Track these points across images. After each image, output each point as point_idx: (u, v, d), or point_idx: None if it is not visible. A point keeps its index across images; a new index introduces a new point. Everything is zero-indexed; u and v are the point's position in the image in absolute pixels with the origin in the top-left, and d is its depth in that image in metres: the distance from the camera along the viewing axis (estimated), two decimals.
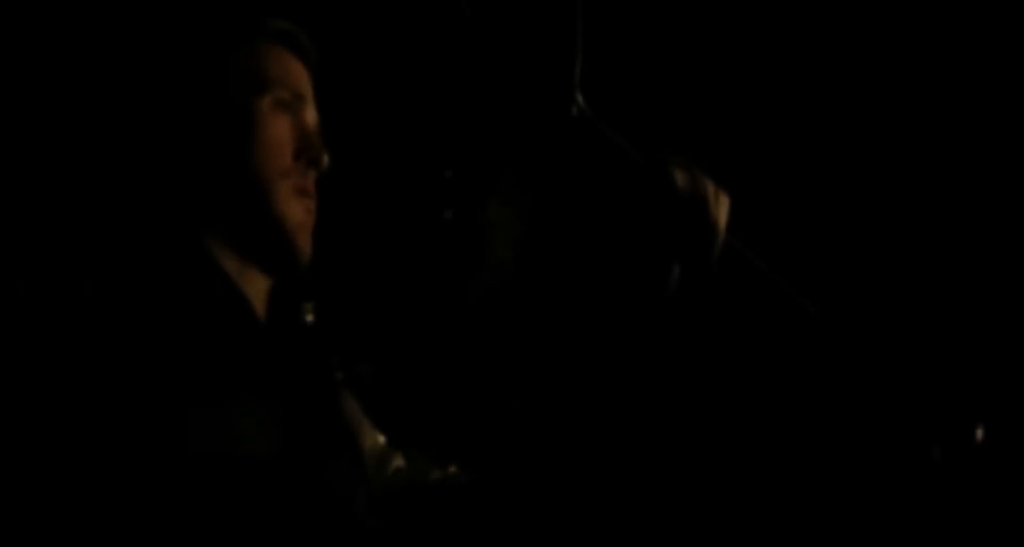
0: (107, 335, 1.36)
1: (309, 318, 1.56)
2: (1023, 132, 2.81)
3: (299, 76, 1.58)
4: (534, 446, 1.59)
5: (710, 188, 1.58)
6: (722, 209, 1.59)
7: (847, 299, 2.49)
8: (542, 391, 1.59)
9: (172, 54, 1.54)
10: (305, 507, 1.44)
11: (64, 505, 1.31)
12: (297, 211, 1.52)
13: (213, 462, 1.36)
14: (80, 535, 1.31)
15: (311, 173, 1.54)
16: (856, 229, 2.82)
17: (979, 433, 1.82)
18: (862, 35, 2.82)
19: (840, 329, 1.77)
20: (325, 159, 1.54)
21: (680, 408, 2.57)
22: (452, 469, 1.66)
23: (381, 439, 1.67)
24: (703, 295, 1.57)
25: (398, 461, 1.66)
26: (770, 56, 2.82)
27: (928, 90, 2.84)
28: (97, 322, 1.37)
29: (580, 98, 1.59)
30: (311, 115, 1.57)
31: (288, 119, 1.53)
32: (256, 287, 1.52)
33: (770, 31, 2.82)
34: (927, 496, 2.55)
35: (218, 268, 1.49)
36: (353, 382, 1.67)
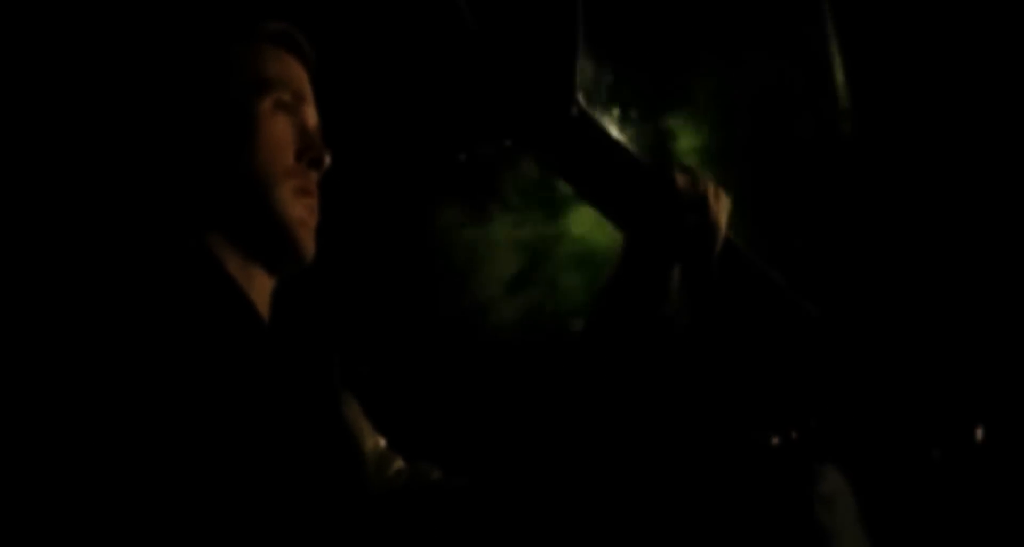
0: (109, 336, 1.36)
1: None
2: (1023, 132, 2.81)
3: (299, 77, 1.58)
4: (534, 448, 1.59)
5: (710, 188, 1.58)
6: (722, 209, 1.59)
7: (848, 299, 2.49)
8: (543, 394, 1.59)
9: (173, 56, 1.54)
10: (306, 508, 1.44)
11: (64, 508, 1.31)
12: (299, 210, 1.52)
13: (214, 463, 1.36)
14: (80, 536, 1.31)
15: (313, 173, 1.54)
16: (857, 230, 2.83)
17: (979, 433, 1.82)
18: (861, 33, 2.82)
19: (841, 329, 1.77)
20: (327, 159, 1.55)
21: (682, 408, 2.57)
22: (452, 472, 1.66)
23: (382, 441, 1.67)
24: (704, 295, 1.57)
25: (398, 463, 1.66)
26: (770, 56, 2.82)
27: (928, 90, 2.84)
28: (99, 323, 1.37)
29: (580, 98, 1.59)
30: (312, 115, 1.57)
31: (289, 119, 1.54)
32: (259, 287, 1.53)
33: (770, 31, 2.82)
34: (927, 496, 2.55)
35: (221, 269, 1.49)
36: (354, 384, 1.67)
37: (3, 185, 2.04)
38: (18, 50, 2.11)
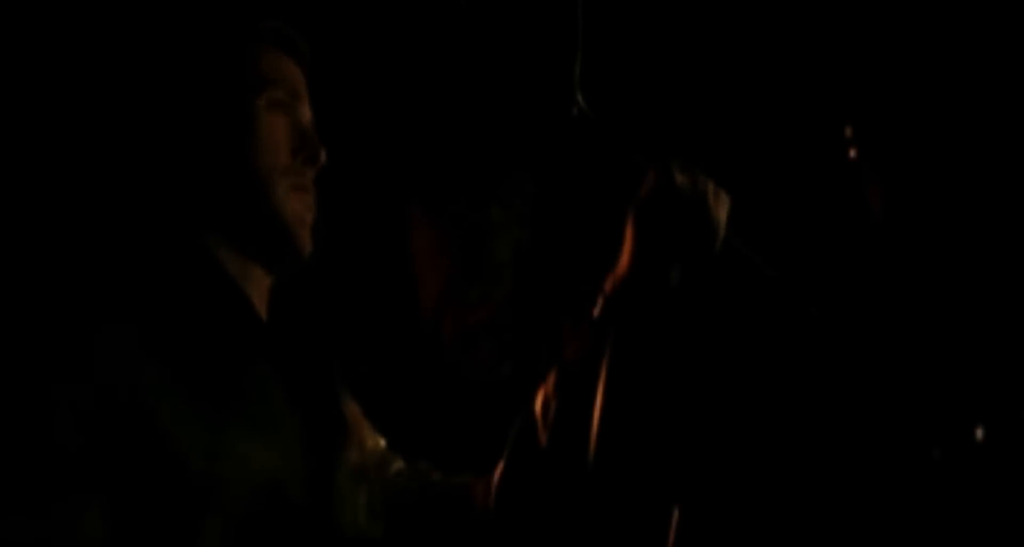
0: (110, 335, 1.37)
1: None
2: (1023, 132, 2.81)
3: (294, 75, 1.59)
4: (534, 448, 1.59)
5: (710, 187, 1.58)
6: (722, 209, 1.59)
7: (848, 299, 2.49)
8: (542, 392, 1.59)
9: (169, 56, 1.55)
10: (306, 508, 1.44)
11: (66, 515, 1.31)
12: (296, 207, 1.53)
13: (213, 461, 1.36)
14: (74, 533, 1.31)
15: (308, 170, 1.55)
16: (857, 230, 2.83)
17: (979, 433, 1.82)
18: (863, 34, 2.82)
19: (841, 329, 1.77)
20: (322, 156, 1.55)
21: (680, 407, 2.57)
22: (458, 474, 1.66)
23: (382, 441, 1.67)
24: (703, 295, 1.57)
25: (398, 463, 1.66)
26: (771, 56, 2.82)
27: (928, 91, 2.84)
28: (100, 321, 1.37)
29: (580, 98, 1.59)
30: (307, 113, 1.58)
31: (285, 118, 1.54)
32: (257, 286, 1.53)
33: (771, 31, 2.82)
34: (927, 496, 2.55)
35: (220, 267, 1.50)
36: (353, 384, 1.67)
37: (3, 184, 2.05)
38: (17, 49, 2.12)
